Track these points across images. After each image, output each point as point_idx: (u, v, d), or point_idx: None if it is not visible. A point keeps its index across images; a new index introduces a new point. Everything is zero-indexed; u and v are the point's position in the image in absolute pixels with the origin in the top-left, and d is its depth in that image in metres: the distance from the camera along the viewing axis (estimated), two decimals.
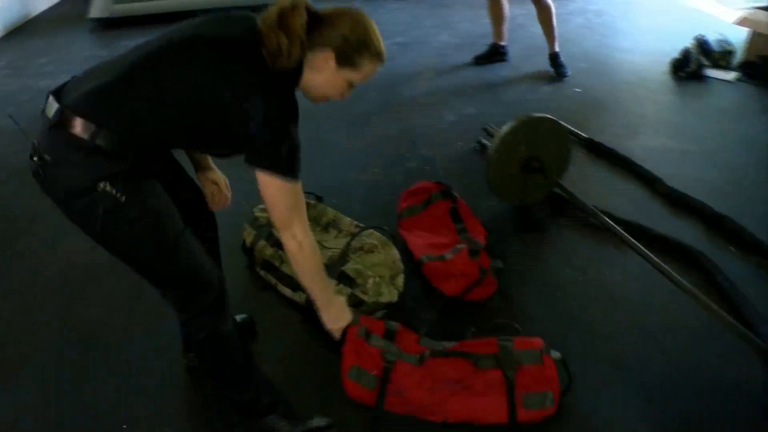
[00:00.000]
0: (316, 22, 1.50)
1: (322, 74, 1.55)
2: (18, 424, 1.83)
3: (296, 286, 2.21)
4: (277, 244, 2.33)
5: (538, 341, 1.81)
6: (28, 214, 2.82)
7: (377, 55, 1.57)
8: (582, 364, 1.90)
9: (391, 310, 2.15)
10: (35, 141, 1.39)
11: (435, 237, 2.40)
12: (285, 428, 1.70)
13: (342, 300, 1.93)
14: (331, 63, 1.53)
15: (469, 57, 4.45)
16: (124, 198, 1.36)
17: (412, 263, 2.32)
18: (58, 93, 1.41)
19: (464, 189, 2.73)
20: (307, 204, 2.57)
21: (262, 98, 1.42)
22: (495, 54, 4.39)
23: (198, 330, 1.59)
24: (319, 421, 1.73)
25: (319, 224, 2.52)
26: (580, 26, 5.15)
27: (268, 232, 2.41)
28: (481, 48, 4.43)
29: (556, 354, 1.79)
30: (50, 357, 2.07)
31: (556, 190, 2.65)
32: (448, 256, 2.23)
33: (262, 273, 2.35)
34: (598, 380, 1.89)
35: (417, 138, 3.40)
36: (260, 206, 2.55)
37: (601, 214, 2.37)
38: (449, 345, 1.89)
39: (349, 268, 2.18)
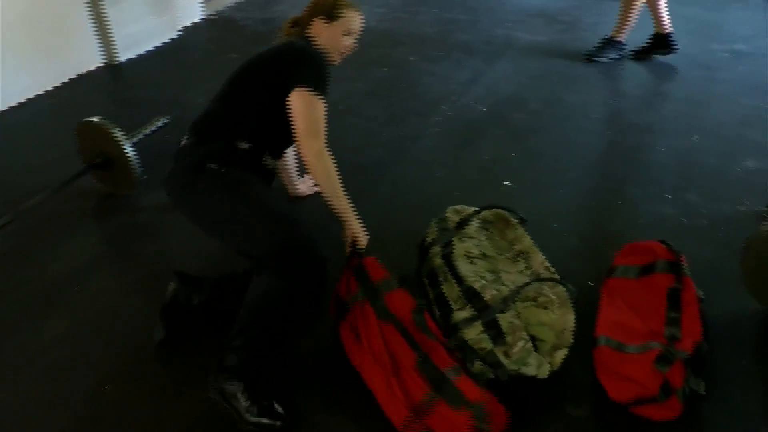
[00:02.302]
0: (299, 19, 2.13)
1: (322, 34, 2.07)
2: None
3: (447, 313, 1.94)
4: (448, 256, 2.06)
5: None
6: None
7: (348, 5, 2.08)
8: None
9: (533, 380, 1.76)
10: None
11: (634, 316, 1.87)
12: (243, 403, 1.65)
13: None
14: (322, 23, 2.07)
15: None
16: None
17: (589, 337, 1.86)
18: None
19: (710, 267, 2.12)
20: (506, 223, 2.25)
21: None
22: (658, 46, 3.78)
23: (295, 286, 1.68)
24: (276, 409, 1.68)
25: (510, 251, 2.17)
26: None
27: (447, 239, 2.14)
28: None
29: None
30: None
31: None
32: (631, 349, 1.72)
33: (426, 281, 2.11)
34: None
35: (693, 177, 2.71)
36: (456, 207, 2.29)
37: None
38: (429, 338, 1.72)
39: (505, 318, 1.81)
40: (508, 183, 2.69)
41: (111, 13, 3.91)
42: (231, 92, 1.97)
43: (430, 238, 2.23)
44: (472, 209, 2.26)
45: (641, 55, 3.79)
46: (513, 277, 2.05)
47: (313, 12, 2.08)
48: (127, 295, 2.22)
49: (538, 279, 1.93)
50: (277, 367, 1.83)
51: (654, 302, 1.89)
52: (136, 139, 2.84)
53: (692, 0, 4.67)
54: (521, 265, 2.10)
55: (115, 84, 3.83)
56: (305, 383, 1.83)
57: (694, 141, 2.95)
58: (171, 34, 4.38)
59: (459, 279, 1.98)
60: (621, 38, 3.77)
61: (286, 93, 1.84)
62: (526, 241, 2.14)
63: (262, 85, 1.92)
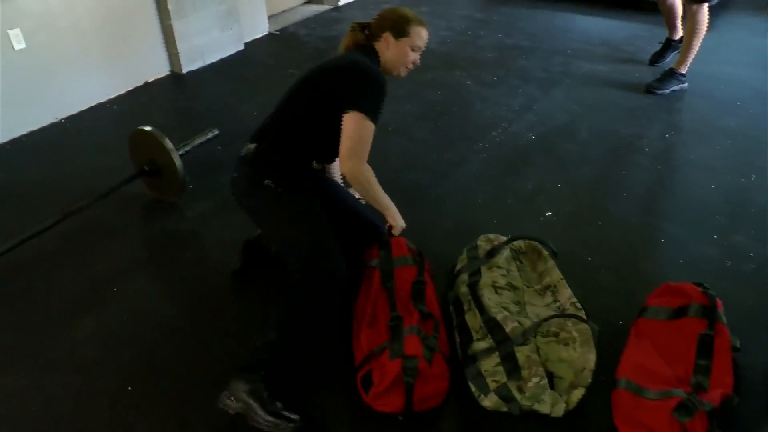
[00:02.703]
0: (368, 26, 2.21)
1: (390, 50, 2.16)
2: None
3: (467, 342, 1.91)
4: (474, 285, 2.03)
5: None
6: None
7: (417, 20, 2.17)
8: None
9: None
10: None
11: (660, 360, 1.79)
12: (258, 402, 1.70)
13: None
14: (391, 39, 2.14)
15: None
16: None
17: (611, 377, 1.79)
18: None
19: (751, 314, 2.02)
20: (538, 255, 2.20)
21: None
22: (669, 50, 4.06)
23: (311, 294, 1.84)
24: (289, 414, 1.72)
25: (539, 283, 2.13)
26: None
27: (476, 268, 2.12)
28: None
29: None
30: None
31: None
32: (651, 395, 1.65)
33: (451, 308, 2.09)
34: None
35: (745, 218, 2.59)
36: (488, 235, 2.26)
37: None
38: (414, 306, 1.95)
39: (523, 352, 1.78)
40: (549, 214, 2.64)
41: (179, 26, 4.08)
42: (291, 103, 2.12)
43: (459, 266, 2.22)
44: (504, 238, 2.24)
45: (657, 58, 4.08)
46: (538, 309, 2.01)
47: (383, 26, 2.16)
48: (160, 300, 2.29)
49: (561, 314, 1.88)
50: (292, 370, 1.89)
51: (683, 347, 1.81)
52: (186, 149, 2.94)
53: (762, 31, 4.50)
54: (548, 299, 2.06)
55: (176, 94, 3.98)
56: (318, 386, 1.86)
57: (751, 180, 2.83)
58: (235, 48, 4.53)
59: (482, 308, 1.95)
60: (683, 70, 3.68)
61: (342, 111, 1.96)
62: (556, 275, 2.10)
63: (321, 99, 2.04)
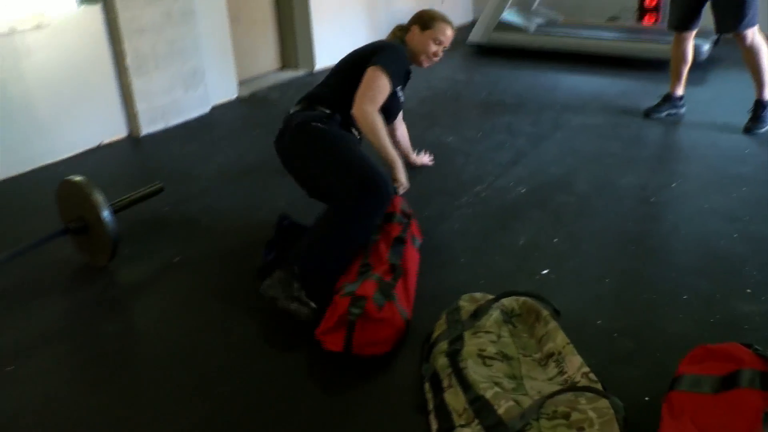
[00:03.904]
0: (404, 25, 2.62)
1: (414, 39, 2.53)
2: None
3: (447, 430, 1.44)
4: (454, 355, 1.58)
5: None
6: None
7: (443, 19, 2.54)
8: None
9: None
10: None
11: None
12: (286, 289, 1.92)
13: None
14: (417, 30, 2.53)
15: None
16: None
17: None
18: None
19: None
20: (536, 317, 1.77)
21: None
22: (667, 105, 3.78)
23: (360, 207, 2.05)
24: (309, 302, 1.89)
25: (539, 351, 1.68)
26: None
27: (458, 333, 1.68)
28: None
29: None
30: None
31: None
32: None
33: (426, 387, 1.62)
34: None
35: None
36: (473, 294, 1.83)
37: None
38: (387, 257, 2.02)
39: None
40: (546, 272, 2.22)
41: (138, 84, 3.76)
42: (333, 74, 2.48)
43: (437, 333, 1.77)
44: (492, 296, 1.80)
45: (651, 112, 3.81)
46: (540, 385, 1.55)
47: (414, 20, 2.58)
48: (65, 381, 1.82)
49: (572, 388, 1.43)
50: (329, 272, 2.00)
51: (739, 428, 1.34)
52: (121, 204, 2.54)
53: None
54: (552, 370, 1.60)
55: (131, 155, 3.61)
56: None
57: None
58: (200, 110, 4.20)
59: (466, 385, 1.50)
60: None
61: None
62: (560, 339, 1.65)
63: (354, 68, 2.36)
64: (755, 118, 3.46)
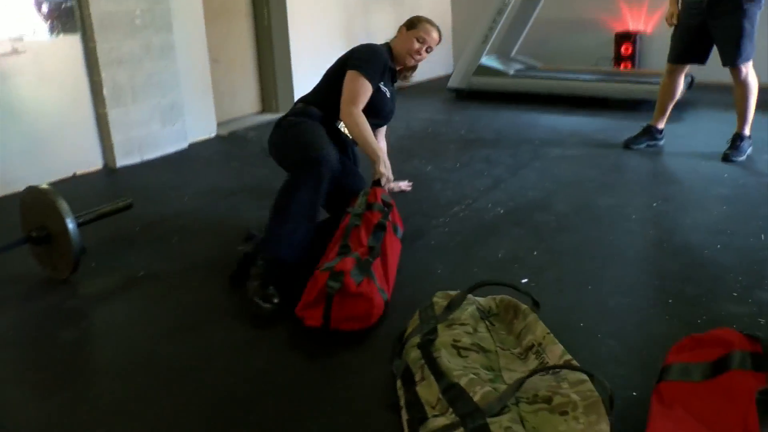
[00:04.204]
0: None
1: (400, 38, 2.71)
2: None
3: (419, 421, 1.33)
4: (427, 345, 1.48)
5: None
6: None
7: (428, 21, 2.71)
8: None
9: None
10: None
11: None
12: (255, 285, 2.00)
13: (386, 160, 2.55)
14: (403, 30, 2.71)
15: None
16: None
17: None
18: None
19: None
20: (515, 313, 1.68)
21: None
22: (646, 137, 3.84)
23: (301, 177, 2.18)
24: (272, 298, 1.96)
25: (518, 345, 1.58)
26: None
27: (432, 327, 1.58)
28: None
29: None
30: None
31: None
32: None
33: (398, 384, 1.51)
34: None
35: (766, 275, 2.11)
36: (448, 292, 1.75)
37: None
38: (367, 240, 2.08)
39: (500, 422, 1.20)
40: (525, 281, 2.14)
41: (115, 115, 3.71)
42: (322, 79, 2.68)
43: (409, 329, 1.68)
44: (467, 290, 1.72)
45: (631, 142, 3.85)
46: (520, 376, 1.45)
47: (403, 24, 2.75)
48: (15, 387, 1.69)
49: (552, 366, 1.33)
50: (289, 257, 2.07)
51: (734, 412, 1.25)
52: (88, 217, 2.44)
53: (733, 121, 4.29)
54: (533, 363, 1.50)
55: (104, 185, 3.53)
56: None
57: (761, 240, 2.38)
58: (178, 146, 4.13)
59: (439, 374, 1.39)
60: (747, 131, 3.56)
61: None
62: (539, 330, 1.55)
63: (335, 71, 2.60)
64: (734, 147, 3.50)
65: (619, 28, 6.12)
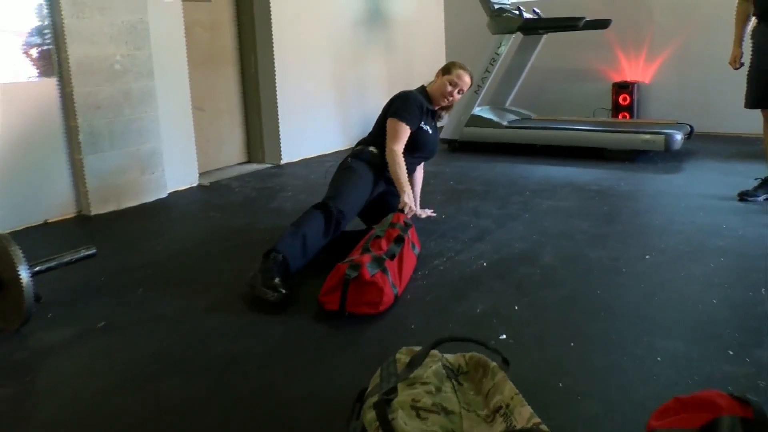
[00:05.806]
0: None
1: (436, 82, 3.16)
2: None
3: None
4: (383, 405, 1.32)
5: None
6: None
7: (461, 67, 3.14)
8: None
9: None
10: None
11: None
12: (258, 279, 2.37)
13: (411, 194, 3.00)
14: (440, 74, 3.16)
15: None
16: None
17: None
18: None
19: None
20: (484, 372, 1.52)
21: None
22: (764, 188, 3.54)
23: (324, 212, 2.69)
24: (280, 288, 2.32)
25: (485, 407, 1.41)
26: None
27: (392, 386, 1.42)
28: None
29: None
30: None
31: None
32: None
33: None
34: None
35: (765, 332, 1.94)
36: (412, 347, 1.59)
37: None
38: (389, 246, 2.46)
39: None
40: (503, 337, 1.98)
41: (91, 161, 3.63)
42: (374, 125, 3.17)
43: (370, 388, 1.51)
44: (436, 353, 1.56)
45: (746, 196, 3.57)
46: None
47: (440, 69, 3.17)
48: None
49: (519, 430, 1.17)
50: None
51: None
52: (46, 266, 2.32)
53: (732, 171, 4.17)
54: (499, 426, 1.33)
55: (77, 233, 3.40)
56: None
57: (761, 293, 2.22)
58: (157, 195, 4.03)
59: None
60: None
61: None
62: (507, 390, 1.38)
63: (381, 119, 3.12)
64: (761, 187, 3.48)
65: (617, 77, 6.10)
